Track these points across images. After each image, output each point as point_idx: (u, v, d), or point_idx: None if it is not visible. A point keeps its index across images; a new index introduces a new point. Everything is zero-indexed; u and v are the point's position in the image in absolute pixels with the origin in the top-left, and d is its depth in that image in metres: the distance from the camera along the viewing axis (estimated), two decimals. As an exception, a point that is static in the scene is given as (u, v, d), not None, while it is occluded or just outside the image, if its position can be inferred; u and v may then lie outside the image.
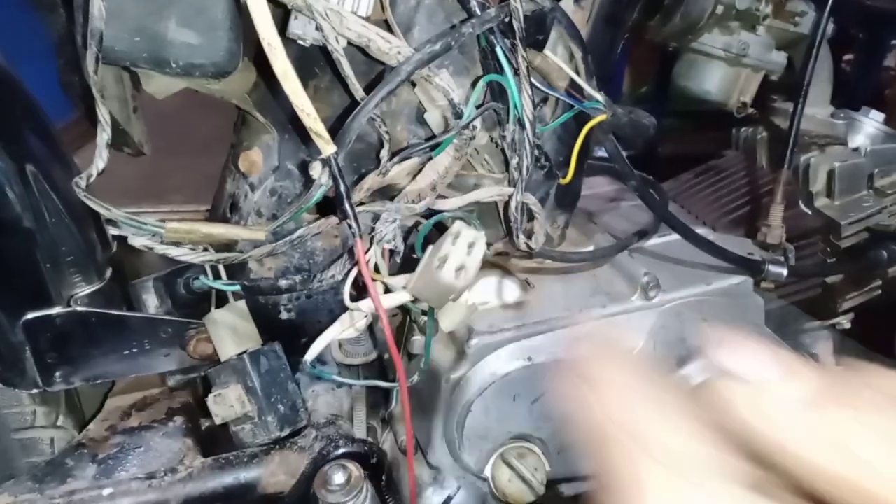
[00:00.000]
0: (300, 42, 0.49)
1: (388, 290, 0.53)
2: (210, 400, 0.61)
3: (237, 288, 0.56)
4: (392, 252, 0.52)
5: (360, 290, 0.50)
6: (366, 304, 0.50)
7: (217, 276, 0.60)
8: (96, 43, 0.43)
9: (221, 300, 0.66)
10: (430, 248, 0.51)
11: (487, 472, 0.66)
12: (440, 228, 0.57)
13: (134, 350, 0.63)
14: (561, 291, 0.67)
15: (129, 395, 0.69)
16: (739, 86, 0.73)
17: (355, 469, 0.50)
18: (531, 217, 0.60)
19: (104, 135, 0.46)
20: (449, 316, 0.52)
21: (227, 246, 0.59)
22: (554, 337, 0.64)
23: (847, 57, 1.53)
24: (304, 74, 0.55)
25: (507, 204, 0.57)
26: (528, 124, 0.52)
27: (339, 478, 0.48)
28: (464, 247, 0.50)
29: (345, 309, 0.53)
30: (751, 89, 0.74)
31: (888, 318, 0.81)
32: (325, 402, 0.67)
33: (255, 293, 0.59)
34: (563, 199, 0.66)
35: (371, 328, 0.67)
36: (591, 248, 0.70)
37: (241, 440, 0.62)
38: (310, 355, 0.51)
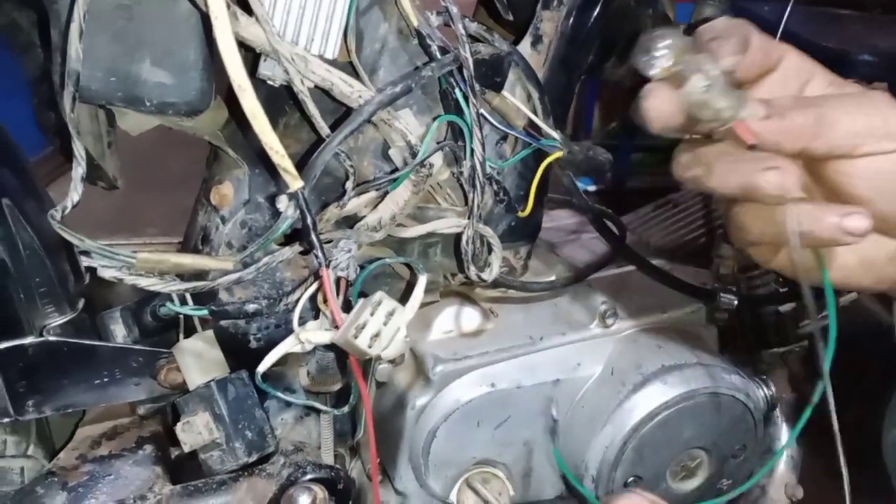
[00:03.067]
0: (269, 82, 0.52)
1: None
2: (178, 428, 0.62)
3: (205, 313, 0.58)
4: (349, 282, 0.54)
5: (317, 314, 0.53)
6: (311, 332, 0.53)
7: (184, 304, 0.61)
8: (73, 83, 0.45)
9: (189, 331, 0.67)
10: (360, 302, 0.54)
11: (453, 498, 0.68)
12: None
13: (105, 379, 0.64)
14: (523, 320, 0.70)
15: (99, 424, 0.70)
16: (690, 123, 0.77)
17: (320, 491, 0.51)
18: (490, 249, 0.63)
19: (79, 169, 0.48)
20: (391, 348, 0.54)
21: (197, 276, 0.61)
22: (516, 363, 0.67)
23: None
24: (275, 112, 0.58)
25: (460, 236, 0.60)
26: (478, 164, 0.55)
27: (304, 500, 0.50)
28: (382, 316, 0.53)
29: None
30: (702, 127, 0.78)
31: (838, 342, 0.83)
32: (293, 431, 0.68)
33: (223, 317, 0.61)
34: (523, 230, 0.69)
35: (338, 357, 0.69)
36: (552, 278, 0.72)
37: (210, 467, 0.63)
38: (261, 367, 0.54)
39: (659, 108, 0.40)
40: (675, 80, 0.38)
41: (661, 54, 0.38)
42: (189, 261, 0.54)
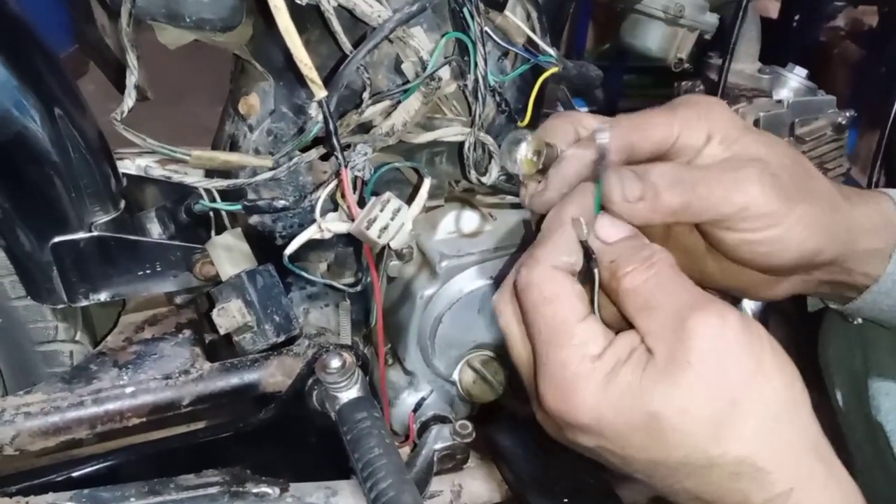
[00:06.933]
0: (297, 1, 0.58)
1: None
2: (215, 313, 0.70)
3: (238, 207, 0.65)
4: (364, 182, 0.62)
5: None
6: (331, 222, 0.61)
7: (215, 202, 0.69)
8: (130, 1, 0.51)
9: (218, 229, 0.75)
10: (373, 199, 0.62)
11: (455, 376, 0.78)
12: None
13: (147, 271, 0.71)
14: (518, 222, 0.78)
15: (140, 312, 0.78)
16: (676, 44, 0.83)
17: (349, 357, 0.60)
18: (490, 156, 0.70)
19: (132, 77, 0.55)
20: (397, 239, 0.62)
21: (227, 177, 0.68)
22: (511, 260, 0.75)
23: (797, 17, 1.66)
24: (298, 29, 0.64)
25: (463, 144, 0.67)
26: (480, 77, 0.62)
27: (335, 362, 0.59)
28: (389, 212, 0.61)
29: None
30: (687, 47, 0.84)
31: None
32: (314, 318, 0.76)
33: (254, 211, 0.68)
34: (521, 141, 0.76)
35: (355, 254, 0.77)
36: (545, 185, 0.80)
37: (243, 348, 0.71)
38: (288, 250, 0.62)
39: (539, 201, 0.51)
40: (539, 173, 0.50)
41: (521, 157, 0.49)
42: (235, 158, 0.61)
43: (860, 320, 0.62)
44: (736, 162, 0.48)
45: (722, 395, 0.38)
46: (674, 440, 0.39)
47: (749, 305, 0.94)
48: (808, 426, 0.40)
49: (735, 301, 0.92)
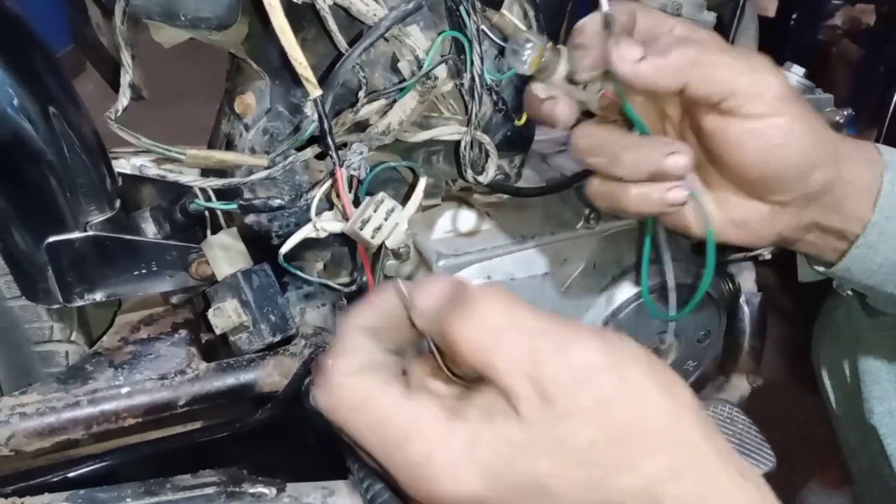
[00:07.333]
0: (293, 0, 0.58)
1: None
2: (210, 313, 0.70)
3: (234, 207, 0.65)
4: (360, 181, 0.62)
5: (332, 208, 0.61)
6: (325, 221, 0.61)
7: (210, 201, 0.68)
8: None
9: (214, 229, 0.74)
10: (367, 199, 0.62)
11: (452, 377, 0.77)
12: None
13: (143, 271, 0.71)
14: (516, 220, 0.78)
15: (136, 312, 0.78)
16: (674, 41, 0.83)
17: (343, 356, 0.60)
18: (487, 155, 0.70)
19: (127, 76, 0.54)
20: (391, 239, 0.62)
21: (223, 176, 0.68)
22: (510, 259, 0.75)
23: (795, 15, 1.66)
24: (294, 27, 0.64)
25: (459, 142, 0.67)
26: (476, 75, 0.62)
27: (330, 362, 0.58)
28: (383, 213, 0.61)
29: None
30: (684, 45, 0.83)
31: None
32: (311, 317, 0.76)
33: (250, 210, 0.67)
34: (518, 141, 0.76)
35: (351, 254, 0.77)
36: (543, 185, 0.80)
37: (240, 348, 0.71)
38: (284, 249, 0.62)
39: (562, 110, 0.50)
40: (543, 72, 0.49)
41: (528, 56, 0.49)
42: (231, 157, 0.61)
43: (850, 292, 0.61)
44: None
45: (603, 434, 0.34)
46: (564, 495, 0.35)
47: (746, 306, 0.94)
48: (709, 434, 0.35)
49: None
